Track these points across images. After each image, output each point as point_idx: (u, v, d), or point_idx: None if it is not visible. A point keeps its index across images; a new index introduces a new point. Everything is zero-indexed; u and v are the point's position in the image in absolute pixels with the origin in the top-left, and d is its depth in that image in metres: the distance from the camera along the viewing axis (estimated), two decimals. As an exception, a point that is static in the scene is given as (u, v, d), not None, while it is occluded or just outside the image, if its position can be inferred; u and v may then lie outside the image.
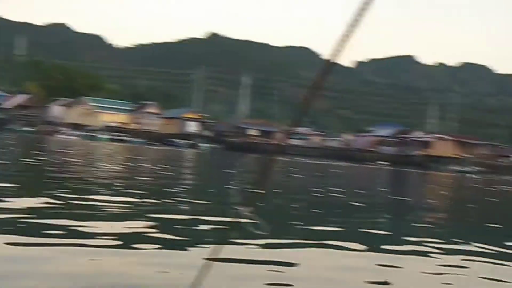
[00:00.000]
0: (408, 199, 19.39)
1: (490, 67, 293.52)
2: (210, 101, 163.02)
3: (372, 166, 70.83)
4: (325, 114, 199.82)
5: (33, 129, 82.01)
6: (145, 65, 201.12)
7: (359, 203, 13.59)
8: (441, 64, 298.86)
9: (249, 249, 5.60)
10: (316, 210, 11.23)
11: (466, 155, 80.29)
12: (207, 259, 2.78)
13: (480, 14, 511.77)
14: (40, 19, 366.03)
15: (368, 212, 12.05)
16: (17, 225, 6.08)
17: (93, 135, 79.39)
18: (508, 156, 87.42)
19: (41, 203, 7.88)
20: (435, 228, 10.04)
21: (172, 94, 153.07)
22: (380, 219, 10.89)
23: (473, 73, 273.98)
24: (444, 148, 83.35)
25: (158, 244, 5.64)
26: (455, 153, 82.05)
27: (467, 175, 64.53)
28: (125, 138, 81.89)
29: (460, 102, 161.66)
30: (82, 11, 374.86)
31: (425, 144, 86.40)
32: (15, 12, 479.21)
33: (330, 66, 1.68)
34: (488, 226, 11.37)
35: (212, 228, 7.00)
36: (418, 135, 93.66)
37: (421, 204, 16.17)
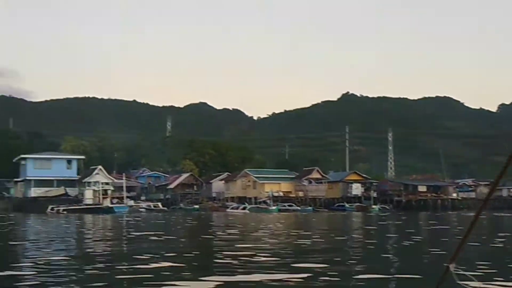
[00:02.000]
0: None
1: None
2: (355, 161, 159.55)
3: None
4: (476, 163, 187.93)
5: (198, 206, 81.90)
6: (281, 132, 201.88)
7: None
8: None
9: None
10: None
11: None
12: None
13: None
14: (181, 102, 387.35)
15: None
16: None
17: (261, 207, 77.75)
18: None
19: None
20: None
21: (315, 158, 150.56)
22: None
23: None
24: None
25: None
26: None
27: None
28: (292, 207, 79.53)
29: None
30: (219, 89, 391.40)
31: None
32: (160, 98, 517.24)
33: None
34: None
35: None
36: None
37: None
